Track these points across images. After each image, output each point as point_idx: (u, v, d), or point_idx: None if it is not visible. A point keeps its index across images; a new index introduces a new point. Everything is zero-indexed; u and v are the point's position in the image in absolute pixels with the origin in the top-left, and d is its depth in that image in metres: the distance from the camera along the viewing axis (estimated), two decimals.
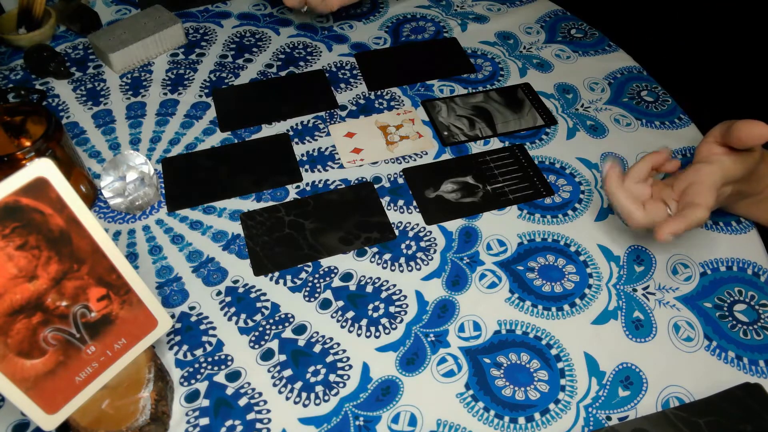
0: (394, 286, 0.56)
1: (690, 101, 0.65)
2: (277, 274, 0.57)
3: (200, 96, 0.75)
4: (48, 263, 0.37)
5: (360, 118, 0.72)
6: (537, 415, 0.48)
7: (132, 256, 0.58)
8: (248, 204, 0.63)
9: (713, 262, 0.58)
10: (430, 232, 0.60)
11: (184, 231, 0.60)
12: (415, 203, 0.62)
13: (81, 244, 0.39)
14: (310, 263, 0.57)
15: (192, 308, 0.54)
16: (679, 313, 0.54)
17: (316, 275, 0.57)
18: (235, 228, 0.60)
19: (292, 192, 0.64)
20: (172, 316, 0.54)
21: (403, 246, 0.59)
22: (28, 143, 0.59)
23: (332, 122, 0.71)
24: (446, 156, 0.68)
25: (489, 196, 0.63)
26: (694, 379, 0.50)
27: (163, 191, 0.64)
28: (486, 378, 0.50)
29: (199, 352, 0.52)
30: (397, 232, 0.60)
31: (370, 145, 0.69)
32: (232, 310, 0.54)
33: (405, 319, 0.54)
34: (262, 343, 0.52)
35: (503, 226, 0.61)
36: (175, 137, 0.70)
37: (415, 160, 0.67)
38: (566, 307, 0.54)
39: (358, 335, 0.53)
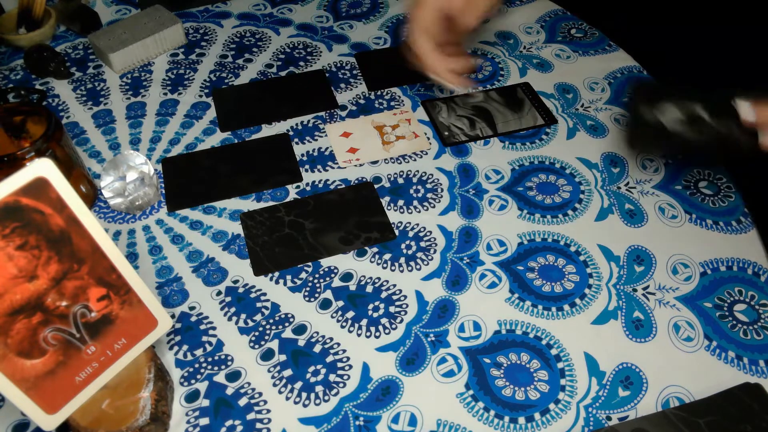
0: (394, 286, 0.56)
1: None
2: (277, 274, 0.57)
3: (200, 96, 0.75)
4: (48, 263, 0.37)
5: (357, 118, 0.72)
6: (537, 415, 0.48)
7: (132, 256, 0.58)
8: (248, 204, 0.63)
9: (713, 262, 0.58)
10: (430, 232, 0.60)
11: (184, 231, 0.60)
12: (415, 203, 0.62)
13: (81, 244, 0.39)
14: (310, 263, 0.57)
15: (192, 308, 0.54)
16: (679, 313, 0.54)
17: (316, 275, 0.57)
18: (235, 228, 0.60)
19: (292, 192, 0.64)
20: (172, 316, 0.54)
21: (403, 246, 0.59)
22: (27, 143, 0.59)
23: (332, 122, 0.71)
24: (446, 156, 0.67)
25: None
26: (694, 379, 0.50)
27: (163, 191, 0.64)
28: (486, 378, 0.50)
29: (199, 352, 0.52)
30: (397, 232, 0.60)
31: (365, 144, 0.69)
32: (232, 310, 0.54)
33: (405, 319, 0.54)
34: (262, 343, 0.52)
35: (503, 226, 0.61)
36: (175, 137, 0.70)
37: (415, 160, 0.67)
38: (566, 307, 0.54)
39: (358, 335, 0.53)
